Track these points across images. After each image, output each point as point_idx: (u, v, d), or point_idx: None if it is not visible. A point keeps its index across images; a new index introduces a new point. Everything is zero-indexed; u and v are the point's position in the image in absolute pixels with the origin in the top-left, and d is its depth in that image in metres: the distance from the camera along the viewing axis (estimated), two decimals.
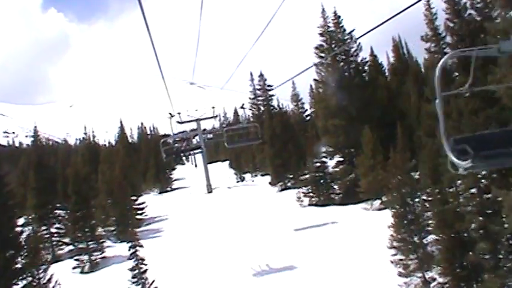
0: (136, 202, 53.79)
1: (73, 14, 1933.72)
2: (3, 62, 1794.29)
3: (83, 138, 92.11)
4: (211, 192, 66.76)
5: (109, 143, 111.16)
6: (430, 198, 25.85)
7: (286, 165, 56.86)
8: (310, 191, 47.40)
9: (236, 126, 46.79)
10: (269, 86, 66.69)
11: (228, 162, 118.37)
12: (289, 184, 57.35)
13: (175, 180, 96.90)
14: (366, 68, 49.01)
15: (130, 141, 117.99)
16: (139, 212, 53.44)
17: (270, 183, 60.14)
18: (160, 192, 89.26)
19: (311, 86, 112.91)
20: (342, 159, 47.66)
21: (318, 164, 47.71)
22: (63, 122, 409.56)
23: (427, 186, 26.07)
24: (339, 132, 45.92)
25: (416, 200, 26.99)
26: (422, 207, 26.49)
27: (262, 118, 67.98)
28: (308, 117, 78.16)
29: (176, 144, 70.77)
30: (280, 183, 57.93)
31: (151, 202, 66.17)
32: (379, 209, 41.47)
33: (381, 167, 41.38)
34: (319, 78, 48.60)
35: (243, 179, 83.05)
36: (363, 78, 47.53)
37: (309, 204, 47.17)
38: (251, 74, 69.27)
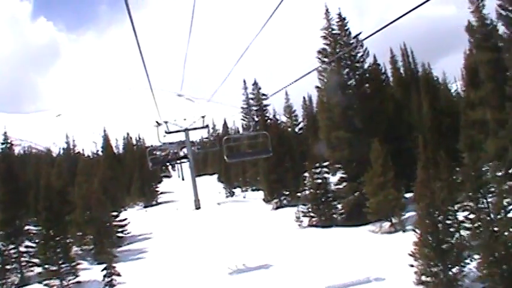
0: (118, 218, 48.81)
1: (63, 23, 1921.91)
2: None
3: (65, 148, 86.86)
4: (199, 208, 61.52)
5: (92, 153, 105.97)
6: (470, 225, 21.25)
7: (282, 180, 52.29)
8: (310, 210, 42.67)
9: (239, 135, 41.21)
10: (263, 94, 62.18)
11: (216, 175, 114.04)
12: (285, 201, 52.73)
13: (161, 193, 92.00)
14: (369, 75, 44.61)
15: (115, 152, 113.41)
16: (120, 229, 48.53)
17: (264, 200, 55.29)
18: (145, 207, 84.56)
19: (304, 98, 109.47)
20: (345, 175, 43.03)
21: (319, 181, 43.08)
22: (50, 131, 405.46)
23: (469, 211, 21.47)
24: (343, 146, 41.33)
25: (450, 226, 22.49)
26: (461, 236, 21.89)
27: (255, 129, 63.55)
28: (301, 131, 73.96)
29: (163, 153, 67.14)
30: (275, 201, 53.21)
31: (135, 218, 61.32)
32: (389, 232, 37.03)
33: (392, 185, 37.12)
34: (322, 86, 44.05)
35: (232, 194, 78.40)
36: (369, 86, 43.03)
37: (309, 225, 42.47)
38: (244, 82, 64.85)
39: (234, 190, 79.57)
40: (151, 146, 67.10)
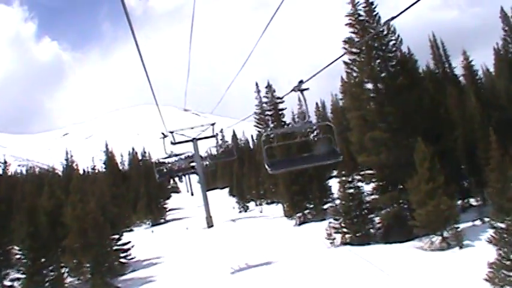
0: (120, 242, 42.66)
1: (67, 42, 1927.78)
2: None
3: (64, 165, 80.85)
4: (212, 226, 56.01)
5: (91, 169, 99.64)
6: None
7: (305, 192, 46.07)
8: (342, 225, 36.36)
9: (285, 129, 32.57)
10: (278, 98, 55.98)
11: (227, 189, 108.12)
12: (309, 216, 46.46)
13: (169, 210, 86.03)
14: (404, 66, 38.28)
15: (120, 168, 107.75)
16: (123, 254, 42.40)
17: (285, 214, 48.82)
18: (152, 225, 78.63)
19: (317, 103, 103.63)
20: (382, 183, 36.64)
21: (351, 190, 36.83)
22: (57, 150, 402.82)
23: None
24: (379, 148, 35.02)
25: None
26: None
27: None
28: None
29: (170, 165, 61.53)
30: (298, 215, 46.84)
31: (141, 239, 55.21)
32: (441, 249, 30.78)
33: (442, 192, 30.90)
34: (351, 80, 37.85)
35: (246, 209, 72.33)
36: (405, 79, 36.67)
37: (342, 243, 36.17)
38: (256, 85, 58.59)
39: (247, 204, 73.57)
40: (158, 159, 62.01)
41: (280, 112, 56.52)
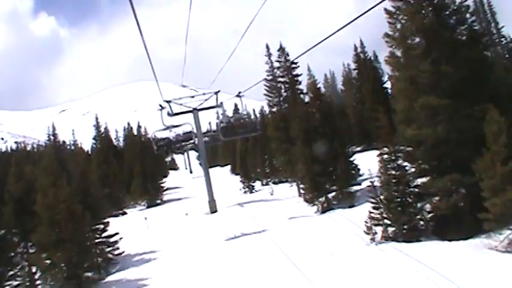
0: (105, 233, 35.01)
1: (64, 18, 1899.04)
2: None
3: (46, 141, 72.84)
4: (215, 212, 48.22)
5: (72, 143, 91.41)
6: None
7: (330, 172, 38.32)
8: (385, 216, 28.56)
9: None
10: (293, 62, 48.01)
11: (229, 167, 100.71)
12: (334, 201, 38.58)
13: (166, 189, 78.61)
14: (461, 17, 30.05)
15: (115, 145, 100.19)
16: (108, 249, 34.82)
17: (305, 200, 40.77)
18: (148, 206, 71.36)
19: (326, 75, 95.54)
20: (436, 162, 28.57)
21: (393, 171, 28.96)
22: (54, 127, 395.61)
23: None
24: (436, 119, 27.00)
25: None
26: None
27: (283, 105, 49.73)
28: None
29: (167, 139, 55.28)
30: (321, 200, 38.95)
31: (133, 226, 47.77)
32: None
33: None
34: (395, 33, 29.72)
35: (252, 189, 64.75)
36: (464, 31, 28.57)
37: (384, 238, 28.44)
38: (267, 47, 50.32)
39: (253, 184, 66.05)
40: (154, 135, 54.72)
41: (295, 78, 48.58)
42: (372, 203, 29.23)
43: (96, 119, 72.23)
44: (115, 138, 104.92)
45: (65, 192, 28.60)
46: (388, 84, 75.83)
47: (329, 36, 12.89)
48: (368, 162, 40.49)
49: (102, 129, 79.93)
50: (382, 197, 29.03)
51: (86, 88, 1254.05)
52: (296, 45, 74.97)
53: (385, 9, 29.48)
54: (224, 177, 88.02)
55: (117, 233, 35.77)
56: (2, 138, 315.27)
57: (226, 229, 37.66)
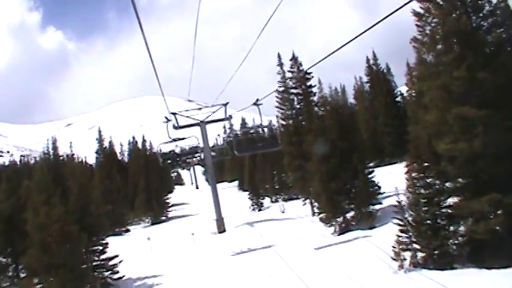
0: (103, 256, 32.10)
1: (72, 32, 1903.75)
2: (0, 81, 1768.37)
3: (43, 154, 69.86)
4: (223, 231, 45.24)
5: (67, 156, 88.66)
6: None
7: (348, 190, 35.37)
8: (413, 239, 25.55)
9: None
10: (306, 72, 45.23)
11: (236, 182, 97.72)
12: (352, 221, 35.53)
13: (172, 206, 75.75)
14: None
15: (120, 159, 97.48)
16: (107, 272, 31.90)
17: (322, 220, 37.59)
18: (153, 223, 68.52)
19: (336, 88, 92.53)
20: (471, 180, 25.56)
21: (422, 190, 25.98)
22: (60, 141, 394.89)
23: None
24: (473, 131, 24.09)
25: None
26: None
27: (296, 118, 46.83)
28: None
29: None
30: (339, 220, 35.88)
31: (135, 246, 44.83)
32: None
33: None
34: (423, 36, 26.90)
35: (260, 206, 61.90)
36: (504, 33, 25.76)
37: (413, 264, 25.41)
38: (279, 57, 47.46)
39: (262, 201, 63.24)
40: (160, 149, 52.15)
41: (309, 89, 45.79)
42: (399, 225, 26.27)
43: (99, 132, 69.41)
44: (120, 153, 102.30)
45: (58, 211, 25.73)
46: (402, 97, 73.78)
47: (343, 45, 12.31)
48: (382, 179, 37.70)
49: (106, 143, 77.38)
50: (410, 218, 26.10)
51: (92, 102, 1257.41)
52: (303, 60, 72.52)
53: (413, 11, 26.75)
54: (231, 193, 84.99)
55: (116, 256, 32.78)
56: (8, 152, 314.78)
57: (235, 251, 34.77)
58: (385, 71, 74.66)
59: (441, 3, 26.48)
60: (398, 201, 26.36)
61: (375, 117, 70.69)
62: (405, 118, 66.71)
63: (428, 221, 25.60)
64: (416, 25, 27.04)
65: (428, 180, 25.94)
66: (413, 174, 26.14)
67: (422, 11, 26.76)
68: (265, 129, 41.79)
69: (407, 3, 11.82)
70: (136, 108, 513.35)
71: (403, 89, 74.29)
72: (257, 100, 37.02)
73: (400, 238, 25.75)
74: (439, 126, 25.60)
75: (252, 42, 18.14)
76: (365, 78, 76.86)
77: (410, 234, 25.78)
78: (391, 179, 36.36)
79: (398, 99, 72.76)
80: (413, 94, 61.73)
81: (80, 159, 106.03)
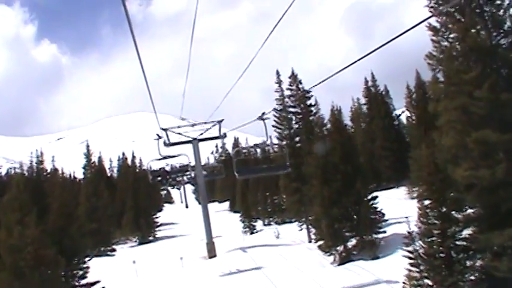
0: (83, 281, 29.40)
1: (66, 46, 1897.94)
2: None
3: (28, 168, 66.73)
4: (214, 256, 42.53)
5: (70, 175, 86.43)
6: None
7: (350, 217, 32.96)
8: (425, 275, 23.13)
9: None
10: (304, 91, 43.05)
11: (228, 202, 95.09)
12: (354, 251, 33.05)
13: (160, 225, 73.14)
14: None
15: (109, 175, 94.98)
16: None
17: (320, 247, 34.95)
18: (140, 243, 65.95)
19: (332, 108, 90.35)
20: (491, 210, 23.16)
21: (436, 220, 23.57)
22: (50, 154, 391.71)
23: None
24: (495, 157, 21.85)
25: None
26: None
27: (292, 139, 44.42)
28: None
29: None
30: (338, 248, 33.36)
31: (119, 269, 42.13)
32: None
33: None
34: (439, 53, 24.76)
35: (253, 229, 59.45)
36: None
37: None
38: (277, 74, 45.29)
39: (254, 223, 60.85)
40: (150, 166, 49.94)
41: (309, 108, 43.58)
42: (409, 258, 23.85)
43: (87, 147, 66.80)
44: (109, 169, 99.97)
45: (32, 232, 23.11)
46: (402, 118, 71.89)
47: (350, 65, 11.78)
48: (380, 205, 35.34)
49: (95, 158, 74.79)
50: (421, 251, 23.71)
51: (84, 117, 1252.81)
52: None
53: (429, 25, 24.71)
54: (222, 214, 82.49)
55: (98, 281, 30.10)
56: None
57: (226, 281, 32.16)
58: (383, 93, 72.70)
59: (459, 17, 24.51)
60: (409, 232, 23.89)
61: (372, 140, 68.60)
62: (403, 142, 65.01)
63: (442, 254, 23.23)
64: (432, 40, 25.01)
65: (442, 210, 23.56)
66: (425, 203, 23.78)
67: (438, 26, 24.76)
68: (273, 148, 37.15)
69: (426, 19, 10.95)
70: (129, 124, 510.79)
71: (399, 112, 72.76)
72: (263, 114, 34.44)
73: (410, 273, 23.33)
74: (456, 151, 23.32)
75: (247, 62, 17.69)
76: (363, 100, 74.87)
77: (422, 268, 23.35)
78: (390, 205, 34.25)
79: (396, 122, 70.92)
80: (413, 118, 60.48)
81: (67, 174, 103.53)
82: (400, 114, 71.56)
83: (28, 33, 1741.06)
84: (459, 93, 23.41)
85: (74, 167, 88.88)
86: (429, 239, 23.42)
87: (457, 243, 23.38)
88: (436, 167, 24.07)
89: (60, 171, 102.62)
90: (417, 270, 23.40)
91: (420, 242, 23.73)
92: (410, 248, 23.86)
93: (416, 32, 9.93)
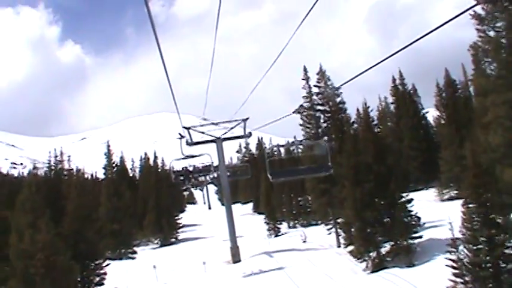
0: (99, 287, 27.75)
1: (90, 47, 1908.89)
2: (18, 93, 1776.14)
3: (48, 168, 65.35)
4: (238, 261, 40.44)
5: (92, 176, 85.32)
6: None
7: (383, 221, 30.84)
8: (470, 286, 21.01)
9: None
10: (333, 87, 41.01)
11: (251, 204, 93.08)
12: (388, 257, 30.93)
13: (182, 227, 71.42)
14: None
15: (131, 175, 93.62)
16: None
17: (351, 253, 32.91)
18: (162, 245, 64.45)
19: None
20: None
21: (483, 227, 21.41)
22: (74, 155, 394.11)
23: None
24: None
25: None
26: None
27: (320, 138, 42.23)
28: None
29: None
30: (372, 255, 31.26)
31: (140, 273, 40.50)
32: None
33: None
34: (485, 45, 22.62)
35: (277, 232, 57.51)
36: None
37: None
38: (305, 70, 43.28)
39: (279, 226, 58.87)
40: (172, 166, 48.69)
41: (339, 106, 41.54)
42: (453, 267, 21.72)
43: (108, 146, 65.05)
44: (131, 169, 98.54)
45: (44, 237, 21.48)
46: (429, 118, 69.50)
47: (378, 63, 11.29)
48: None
49: (117, 158, 73.27)
50: (466, 260, 21.57)
51: (107, 117, 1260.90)
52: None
53: (474, 13, 22.61)
54: (246, 216, 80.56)
55: None
56: (21, 164, 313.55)
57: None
58: (411, 91, 70.28)
59: (506, 4, 22.40)
60: (452, 238, 21.72)
61: (400, 139, 66.27)
62: (432, 142, 62.73)
63: (489, 264, 21.10)
64: (477, 29, 22.95)
65: (490, 215, 21.41)
66: (471, 206, 21.64)
67: (484, 14, 22.66)
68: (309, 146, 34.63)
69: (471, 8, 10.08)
70: (151, 125, 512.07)
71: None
72: (301, 106, 32.10)
73: (453, 284, 21.22)
74: (505, 150, 21.21)
75: (270, 61, 17.63)
76: (390, 99, 72.49)
77: (467, 279, 21.23)
78: (420, 208, 32.05)
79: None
80: (443, 117, 58.22)
81: (88, 174, 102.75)
82: (424, 114, 69.06)
83: (52, 34, 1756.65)
84: (508, 87, 21.28)
85: (96, 167, 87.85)
86: (475, 247, 21.30)
87: (506, 251, 21.24)
88: (481, 168, 21.95)
89: (81, 171, 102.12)
90: (461, 281, 21.28)
91: (465, 250, 21.62)
92: (453, 257, 21.74)
93: (442, 31, 9.20)
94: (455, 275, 21.47)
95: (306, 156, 38.09)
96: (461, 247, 21.55)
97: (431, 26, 8.76)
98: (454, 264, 21.63)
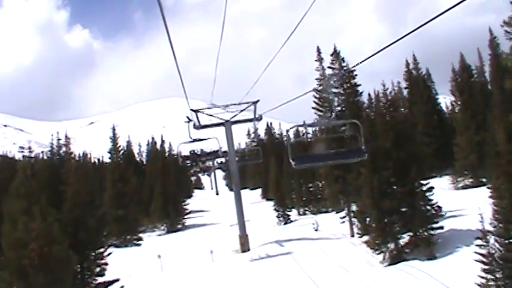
0: (100, 279, 26.10)
1: (99, 31, 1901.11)
2: (27, 78, 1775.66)
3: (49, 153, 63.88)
4: (247, 250, 38.93)
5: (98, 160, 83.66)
6: None
7: (402, 211, 29.03)
8: (501, 283, 19.25)
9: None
10: (348, 69, 38.99)
11: (260, 190, 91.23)
12: (406, 248, 29.12)
13: (189, 213, 69.74)
14: None
15: (138, 160, 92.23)
16: None
17: (368, 244, 31.13)
18: (168, 232, 62.90)
19: (369, 95, 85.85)
20: None
21: None
22: (82, 139, 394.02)
23: None
24: None
25: None
26: None
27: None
28: None
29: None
30: (390, 246, 29.40)
31: (145, 262, 38.98)
32: None
33: None
34: None
35: (287, 219, 55.68)
36: None
37: None
38: (318, 51, 41.18)
39: (288, 213, 57.03)
40: (180, 152, 47.31)
41: (354, 88, 39.60)
42: (483, 262, 19.92)
43: (113, 130, 63.25)
44: (138, 153, 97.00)
45: (37, 225, 19.77)
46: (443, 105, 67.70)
47: (389, 45, 10.45)
48: None
49: (123, 143, 71.64)
50: (496, 254, 19.77)
51: (116, 102, 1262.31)
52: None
53: None
54: (255, 203, 78.79)
55: (117, 280, 26.82)
56: (30, 148, 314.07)
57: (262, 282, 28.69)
58: (425, 76, 68.23)
59: None
60: (483, 231, 19.88)
61: (413, 125, 64.25)
62: (446, 128, 60.77)
63: None
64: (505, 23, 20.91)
65: None
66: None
67: None
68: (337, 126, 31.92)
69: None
70: (160, 109, 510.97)
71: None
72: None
73: (483, 280, 19.44)
74: None
75: (279, 45, 17.23)
76: (403, 84, 70.48)
77: (497, 276, 19.44)
78: (436, 196, 30.13)
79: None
80: (458, 103, 56.40)
81: (95, 159, 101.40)
82: (438, 99, 67.11)
83: (60, 18, 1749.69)
84: None
85: (103, 152, 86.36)
86: (507, 241, 19.49)
87: None
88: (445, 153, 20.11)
89: (87, 156, 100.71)
90: (492, 277, 19.49)
91: (496, 244, 19.81)
92: (483, 251, 19.93)
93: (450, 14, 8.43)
94: (485, 270, 19.70)
95: (331, 139, 35.11)
96: (491, 241, 19.78)
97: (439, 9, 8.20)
98: (484, 259, 19.86)
